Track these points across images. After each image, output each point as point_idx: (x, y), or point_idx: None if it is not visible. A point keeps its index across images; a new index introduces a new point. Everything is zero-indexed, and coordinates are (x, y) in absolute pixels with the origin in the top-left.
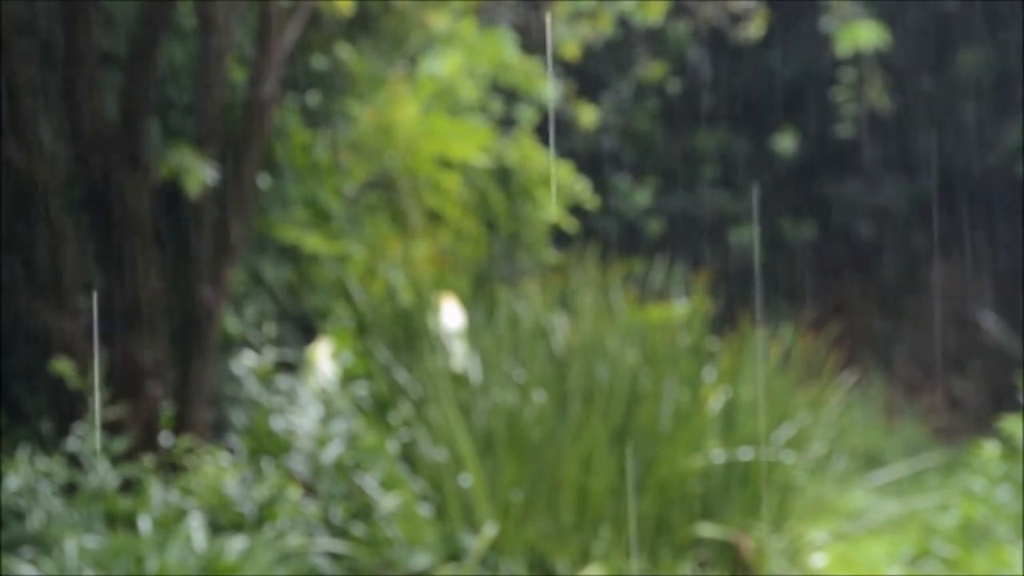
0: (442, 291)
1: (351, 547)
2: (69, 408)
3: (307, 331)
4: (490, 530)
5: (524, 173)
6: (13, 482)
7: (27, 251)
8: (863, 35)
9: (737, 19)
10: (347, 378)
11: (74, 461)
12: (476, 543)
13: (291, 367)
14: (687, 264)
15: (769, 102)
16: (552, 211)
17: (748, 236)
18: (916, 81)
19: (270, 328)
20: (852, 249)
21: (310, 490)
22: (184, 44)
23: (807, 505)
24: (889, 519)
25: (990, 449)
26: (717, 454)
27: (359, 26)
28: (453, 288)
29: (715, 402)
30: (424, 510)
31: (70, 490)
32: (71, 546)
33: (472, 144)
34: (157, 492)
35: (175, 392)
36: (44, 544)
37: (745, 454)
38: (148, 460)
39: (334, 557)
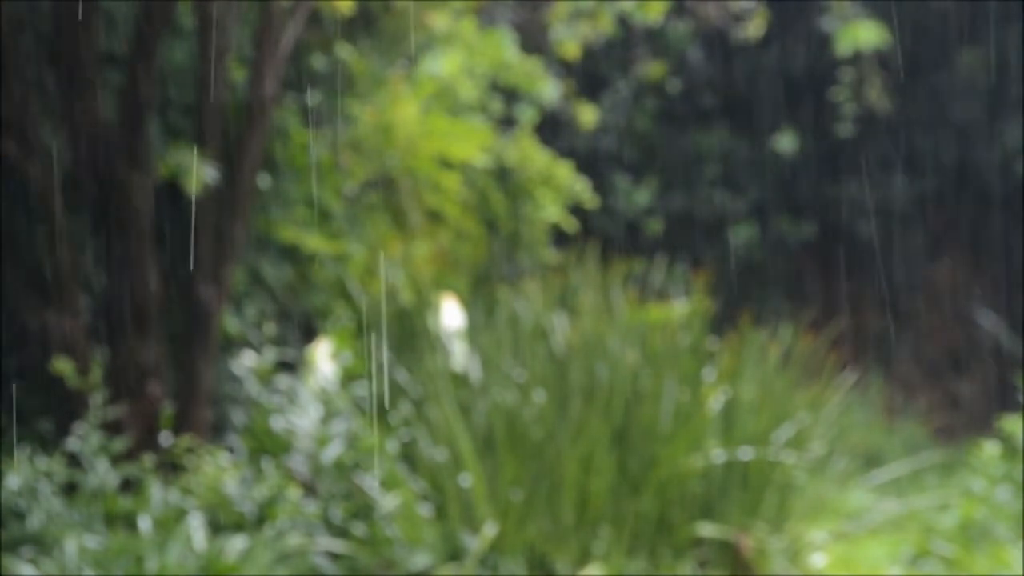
0: (442, 291)
1: (351, 547)
2: (69, 408)
3: (307, 331)
4: (490, 530)
5: (524, 173)
6: (13, 482)
7: (27, 251)
8: (863, 35)
9: (737, 19)
10: (347, 378)
11: (74, 461)
12: (476, 543)
13: (291, 367)
14: (687, 264)
15: (769, 102)
16: (552, 211)
17: (748, 236)
18: (916, 81)
19: (270, 328)
20: (852, 249)
21: (310, 490)
22: (184, 44)
23: (807, 505)
24: (889, 519)
25: (990, 449)
26: (717, 454)
27: (359, 26)
28: (453, 288)
29: (715, 402)
30: (424, 510)
31: (70, 490)
32: (71, 546)
33: (472, 144)
34: (157, 492)
35: (175, 392)
36: (44, 544)
37: (745, 454)
38: (148, 460)
39: (334, 557)
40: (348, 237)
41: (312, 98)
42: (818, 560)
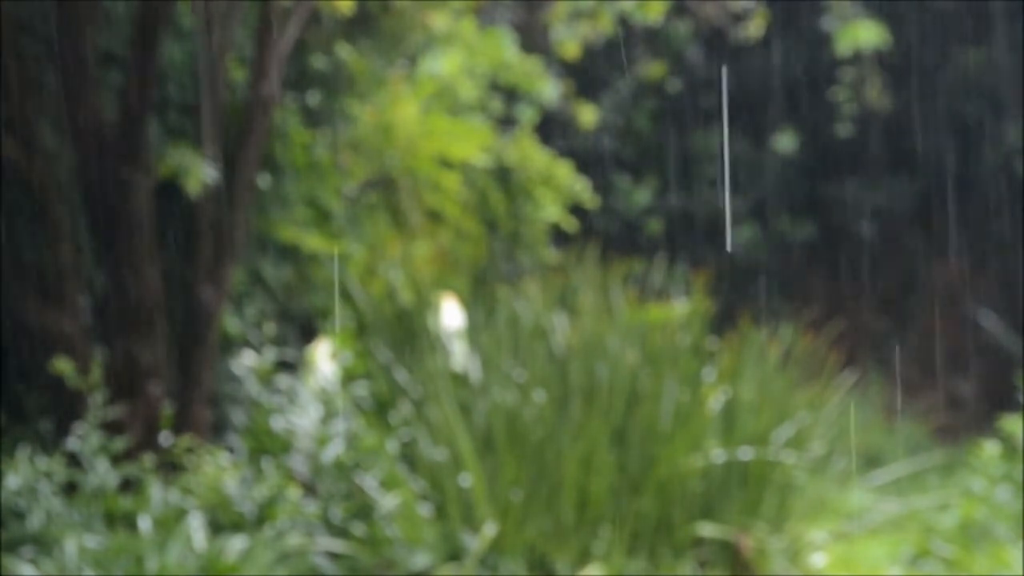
0: (442, 291)
1: (351, 547)
2: (69, 408)
3: (307, 331)
4: (490, 530)
5: (524, 173)
6: (13, 482)
7: (27, 251)
8: (863, 35)
9: (737, 19)
10: (347, 378)
11: (74, 461)
12: (476, 543)
13: (291, 367)
14: (687, 264)
15: (769, 102)
16: (552, 211)
17: (748, 236)
18: (916, 81)
19: (270, 328)
20: (852, 249)
21: (310, 490)
22: (184, 44)
23: (807, 505)
24: (889, 519)
25: (990, 449)
26: (717, 454)
27: (359, 26)
28: (453, 288)
29: (715, 402)
30: (424, 510)
31: (70, 490)
32: (71, 546)
33: (472, 144)
34: (157, 492)
35: (175, 392)
36: (44, 544)
37: (745, 454)
38: (148, 460)
39: (334, 557)
40: (348, 237)
41: (312, 98)
42: (818, 560)
